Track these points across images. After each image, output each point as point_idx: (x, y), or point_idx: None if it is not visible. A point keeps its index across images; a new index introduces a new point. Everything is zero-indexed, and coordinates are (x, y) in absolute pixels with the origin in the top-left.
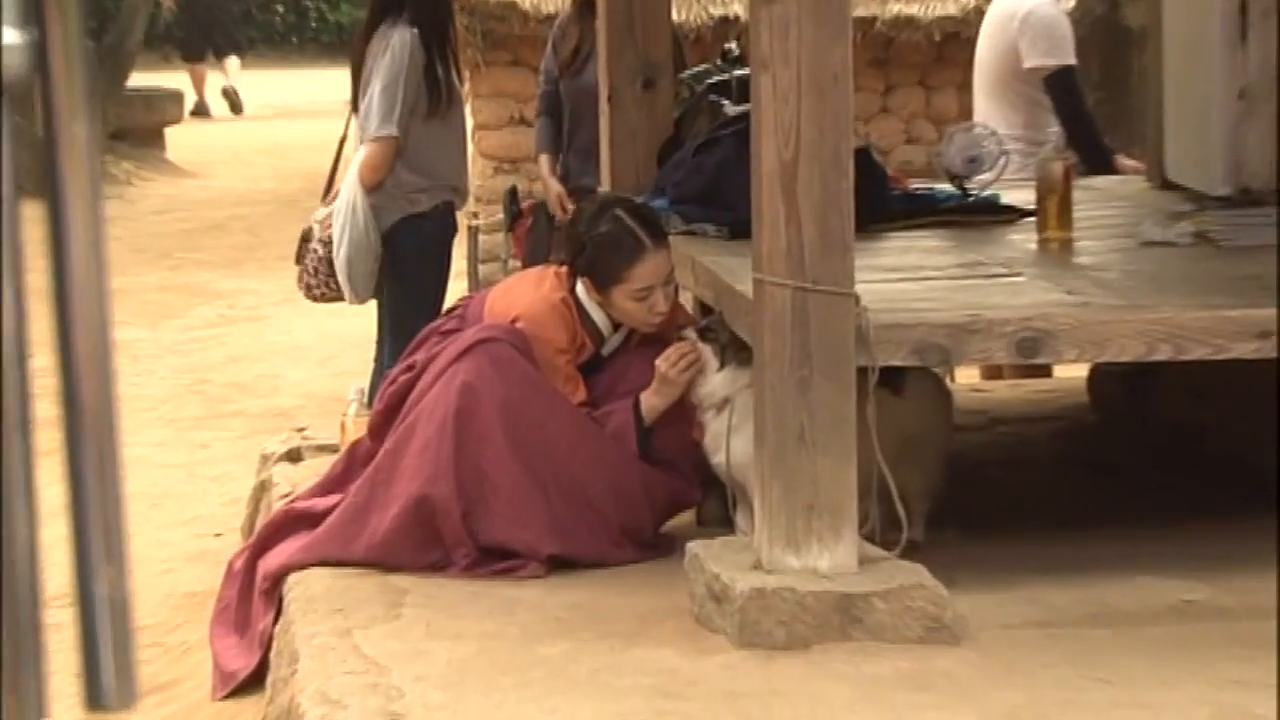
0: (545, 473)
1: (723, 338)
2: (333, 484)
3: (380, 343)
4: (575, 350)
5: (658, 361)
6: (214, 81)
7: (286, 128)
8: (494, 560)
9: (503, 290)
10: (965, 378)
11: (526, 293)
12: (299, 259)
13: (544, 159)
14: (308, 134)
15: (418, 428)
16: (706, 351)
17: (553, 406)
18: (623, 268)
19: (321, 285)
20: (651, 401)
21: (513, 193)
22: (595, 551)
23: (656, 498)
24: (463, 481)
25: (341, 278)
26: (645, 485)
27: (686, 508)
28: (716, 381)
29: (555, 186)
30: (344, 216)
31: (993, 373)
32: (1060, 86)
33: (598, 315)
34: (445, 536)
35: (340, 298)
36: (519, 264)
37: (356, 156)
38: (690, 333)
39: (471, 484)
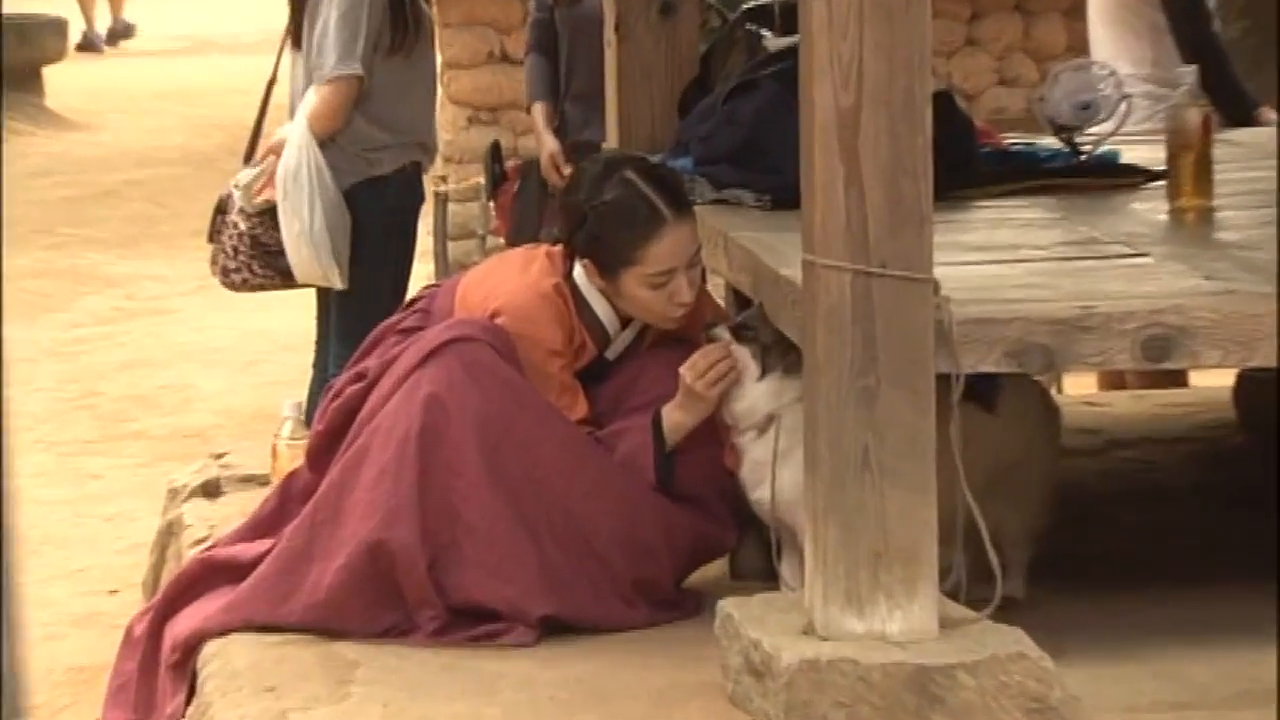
0: (535, 510)
1: (764, 337)
2: (262, 526)
3: (322, 344)
4: (573, 353)
5: (683, 370)
6: (106, 8)
7: (200, 66)
8: (469, 624)
9: (479, 276)
10: (1076, 388)
11: (509, 279)
12: (213, 236)
13: (538, 108)
14: (227, 75)
15: (370, 452)
16: (743, 355)
17: (544, 425)
18: (635, 246)
19: (243, 269)
20: (676, 418)
21: (495, 150)
22: (599, 612)
23: (678, 542)
24: (429, 522)
25: (321, 256)
26: (664, 526)
27: (717, 555)
28: (757, 394)
29: (551, 143)
30: (308, 180)
31: (1112, 381)
32: (1180, 6)
33: (601, 308)
34: (406, 593)
35: (268, 285)
36: (502, 241)
37: (302, 105)
38: (722, 331)
39: (440, 525)
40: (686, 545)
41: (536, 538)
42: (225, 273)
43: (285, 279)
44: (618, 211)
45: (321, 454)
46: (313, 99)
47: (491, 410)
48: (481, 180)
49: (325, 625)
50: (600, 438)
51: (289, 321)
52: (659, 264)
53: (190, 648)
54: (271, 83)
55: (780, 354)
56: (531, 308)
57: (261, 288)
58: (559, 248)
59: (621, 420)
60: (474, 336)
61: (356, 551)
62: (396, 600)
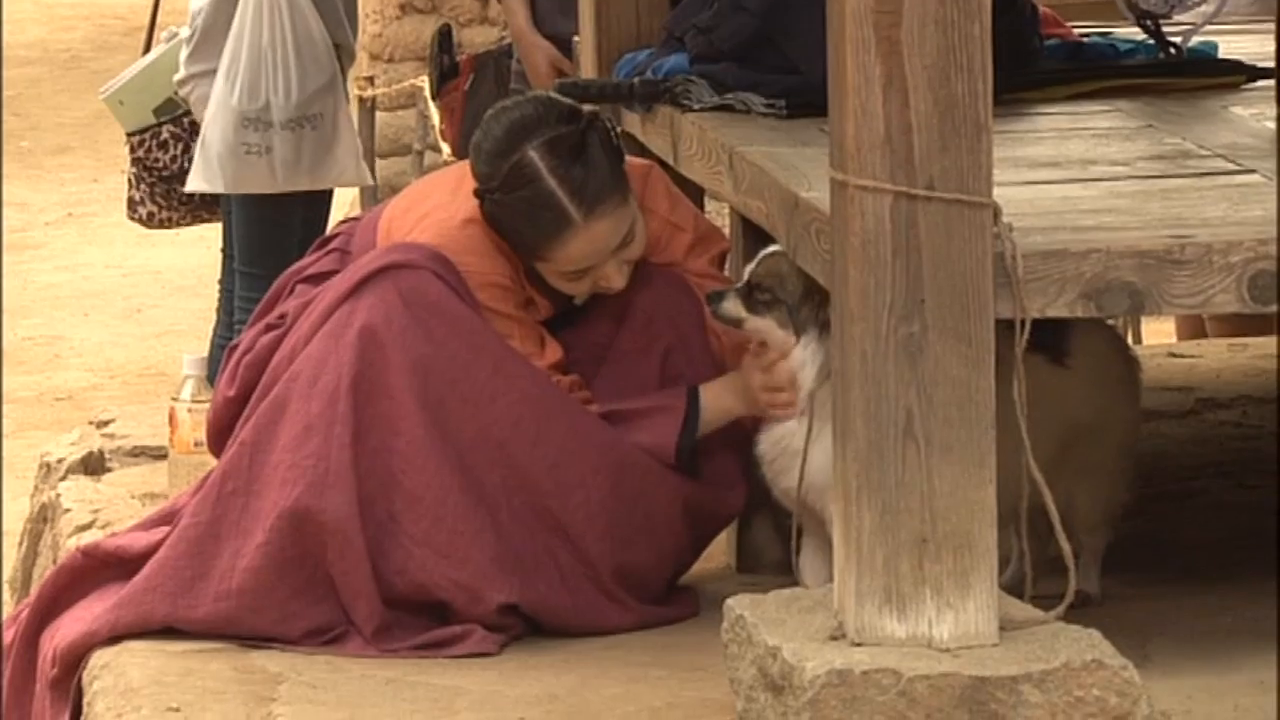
0: (490, 480)
1: (785, 295)
2: (169, 515)
3: (227, 284)
4: (522, 288)
5: (748, 359)
6: None
7: None
8: (414, 623)
9: (405, 204)
10: (1157, 335)
11: (439, 205)
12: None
13: None
14: None
15: (290, 404)
16: (767, 330)
17: (502, 375)
18: (540, 245)
19: (146, 200)
20: (725, 403)
21: (444, 37)
22: (573, 604)
23: (672, 518)
24: (366, 489)
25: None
26: (654, 499)
27: (725, 521)
28: (801, 371)
29: (544, 47)
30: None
31: (1192, 327)
32: None
33: None
34: (339, 579)
35: (180, 220)
36: (450, 155)
37: None
38: (733, 306)
39: (377, 495)
40: (684, 517)
41: (493, 513)
42: (130, 205)
43: (201, 209)
44: (516, 209)
45: (227, 427)
46: None
47: (436, 354)
48: (416, 82)
49: (236, 622)
50: (616, 410)
51: (182, 258)
52: (571, 264)
53: (74, 659)
54: None
55: (815, 307)
56: (465, 236)
57: (171, 223)
58: None
59: (606, 373)
60: (416, 263)
61: (277, 527)
62: (324, 591)
